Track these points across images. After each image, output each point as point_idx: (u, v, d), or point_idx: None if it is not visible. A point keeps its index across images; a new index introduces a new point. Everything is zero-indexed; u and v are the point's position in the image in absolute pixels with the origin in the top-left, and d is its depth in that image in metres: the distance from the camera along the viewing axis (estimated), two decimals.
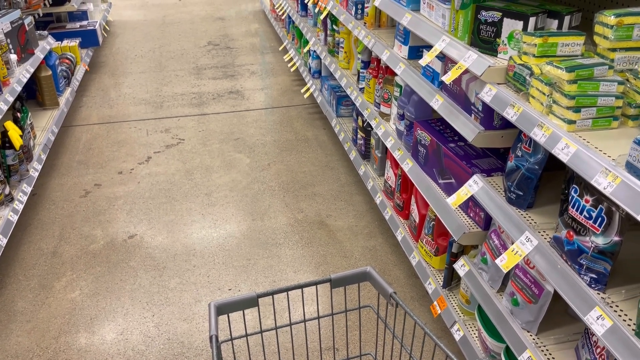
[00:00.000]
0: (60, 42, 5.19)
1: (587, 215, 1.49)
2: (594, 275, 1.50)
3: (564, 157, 1.48)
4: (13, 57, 3.69)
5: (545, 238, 1.72)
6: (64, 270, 3.03)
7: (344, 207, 3.57)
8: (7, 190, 3.11)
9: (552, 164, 1.88)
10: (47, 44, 4.37)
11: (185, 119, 4.86)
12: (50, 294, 2.85)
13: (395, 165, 2.98)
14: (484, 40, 1.96)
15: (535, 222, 1.80)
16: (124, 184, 3.84)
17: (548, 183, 2.01)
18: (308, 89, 4.87)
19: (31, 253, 3.16)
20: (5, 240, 2.90)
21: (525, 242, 1.72)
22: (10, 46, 3.71)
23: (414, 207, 2.77)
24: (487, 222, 2.15)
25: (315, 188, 3.79)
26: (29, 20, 4.07)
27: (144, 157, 4.21)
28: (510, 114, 1.72)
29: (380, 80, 3.13)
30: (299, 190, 3.76)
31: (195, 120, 4.83)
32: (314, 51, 4.65)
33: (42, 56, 4.16)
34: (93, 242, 3.25)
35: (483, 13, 1.93)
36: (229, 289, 2.87)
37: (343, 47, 3.91)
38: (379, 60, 3.22)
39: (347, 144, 3.88)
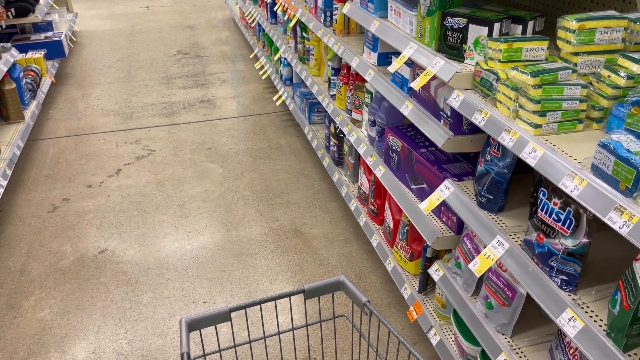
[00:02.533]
0: (24, 54, 5.07)
1: (556, 218, 1.51)
2: (564, 277, 1.52)
3: (531, 161, 1.49)
4: None
5: (516, 241, 1.73)
6: (32, 288, 2.94)
7: (319, 214, 3.56)
8: None
9: (522, 167, 1.90)
10: (10, 56, 4.26)
11: (155, 130, 4.79)
12: (18, 314, 2.77)
13: (369, 171, 2.98)
14: (451, 46, 1.98)
15: (506, 226, 1.81)
16: (94, 198, 3.76)
17: (518, 186, 2.03)
18: (280, 97, 4.85)
19: None
20: None
21: (497, 245, 1.73)
22: None
23: (387, 213, 2.77)
24: (459, 226, 2.16)
25: (290, 196, 3.77)
26: None
27: (113, 169, 4.13)
28: (478, 119, 1.73)
29: (351, 87, 3.13)
30: (273, 199, 3.73)
31: (166, 131, 4.77)
32: (285, 59, 4.64)
33: (5, 69, 4.05)
34: (62, 259, 3.16)
35: (449, 19, 1.94)
36: (204, 302, 2.83)
37: (313, 55, 3.91)
38: (349, 67, 3.22)
39: (320, 150, 3.87)
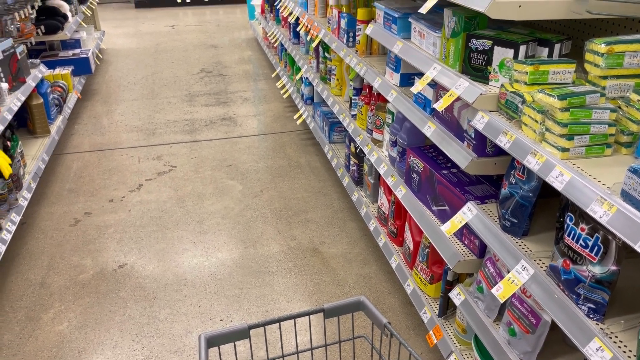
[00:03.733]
0: (52, 70, 5.19)
1: (583, 244, 1.47)
2: (592, 305, 1.48)
3: (558, 185, 1.47)
4: (4, 85, 3.68)
5: (541, 267, 1.69)
6: (52, 301, 2.96)
7: (338, 233, 3.54)
8: None
9: (547, 191, 1.87)
10: (39, 72, 4.36)
11: (177, 146, 4.84)
12: (37, 327, 2.78)
13: (389, 191, 2.96)
14: (475, 68, 1.97)
15: (530, 251, 1.78)
16: (115, 212, 3.80)
17: (543, 210, 2.00)
18: (300, 116, 4.88)
19: (19, 284, 3.10)
20: None
21: (522, 270, 1.69)
22: (2, 75, 3.70)
23: (408, 234, 2.75)
24: (482, 249, 2.12)
25: (309, 214, 3.76)
26: (20, 49, 4.07)
27: (135, 184, 4.18)
28: (503, 142, 1.71)
29: (373, 107, 3.14)
30: (292, 217, 3.73)
31: (187, 147, 4.82)
32: (306, 78, 4.67)
33: (33, 84, 4.15)
34: (82, 272, 3.19)
35: (474, 41, 1.94)
36: (221, 320, 2.81)
37: (335, 75, 3.93)
38: (370, 87, 3.23)
39: (340, 170, 3.87)
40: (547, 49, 1.84)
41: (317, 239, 3.49)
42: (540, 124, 1.59)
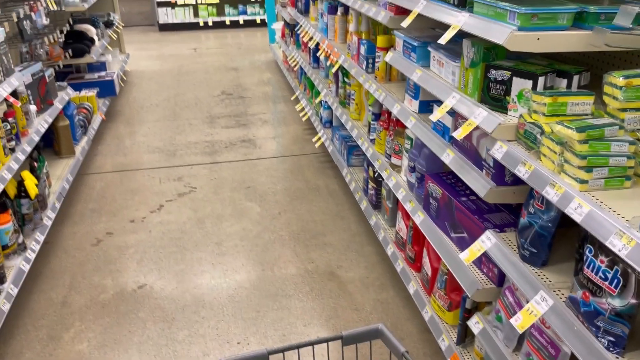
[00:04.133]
0: (78, 92, 5.34)
1: (603, 276, 1.47)
2: (611, 338, 1.47)
3: (577, 217, 1.47)
4: (32, 107, 3.80)
5: (560, 298, 1.69)
6: (72, 320, 3.01)
7: (355, 257, 3.55)
8: (20, 239, 3.13)
9: (566, 220, 1.87)
10: (65, 94, 4.49)
11: (197, 167, 4.92)
12: (58, 346, 2.83)
13: (407, 216, 2.97)
14: (494, 97, 1.99)
15: (550, 281, 1.77)
16: (136, 233, 3.86)
17: (562, 240, 1.99)
18: (319, 138, 4.93)
19: (41, 303, 3.15)
20: (16, 290, 2.90)
21: (541, 301, 1.69)
22: (31, 97, 3.82)
23: (426, 260, 2.75)
24: (500, 278, 2.12)
25: (326, 238, 3.78)
26: (49, 72, 4.21)
27: (156, 205, 4.25)
28: (521, 172, 1.72)
29: (391, 132, 3.17)
30: (310, 240, 3.75)
31: (207, 169, 4.89)
32: (326, 102, 4.73)
33: (60, 106, 4.28)
34: (103, 292, 3.24)
35: (492, 72, 1.96)
36: (238, 342, 2.83)
37: (354, 99, 3.98)
38: (389, 113, 3.27)
39: (358, 193, 3.89)
40: (565, 80, 1.86)
41: (334, 262, 3.50)
42: (559, 155, 1.60)
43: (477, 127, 2.00)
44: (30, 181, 3.27)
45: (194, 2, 11.57)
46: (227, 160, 5.06)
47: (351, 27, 3.85)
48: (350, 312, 3.04)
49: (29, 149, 3.47)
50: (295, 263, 3.49)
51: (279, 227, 3.91)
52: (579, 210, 1.48)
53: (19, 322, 2.99)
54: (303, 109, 5.71)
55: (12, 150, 3.31)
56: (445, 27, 2.24)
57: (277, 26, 8.02)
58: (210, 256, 3.58)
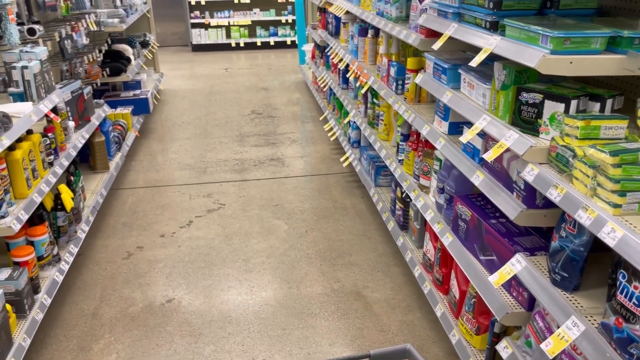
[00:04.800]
0: (114, 110, 5.50)
1: (637, 303, 1.44)
2: None
3: (610, 242, 1.46)
4: (71, 124, 3.93)
5: (592, 323, 1.66)
6: (102, 332, 3.06)
7: (381, 278, 3.54)
8: (55, 251, 3.23)
9: (599, 245, 1.84)
10: (102, 111, 4.64)
11: (227, 185, 4.99)
12: (87, 357, 2.88)
13: (435, 238, 2.96)
14: (525, 120, 1.99)
15: (581, 306, 1.75)
16: (165, 247, 3.93)
17: (595, 264, 1.96)
18: (347, 158, 4.96)
19: (72, 313, 3.23)
20: (49, 300, 2.98)
21: (572, 327, 1.66)
22: (69, 114, 3.96)
23: (454, 283, 2.72)
24: (530, 302, 2.09)
25: (352, 257, 3.78)
26: (87, 90, 4.36)
27: (185, 221, 4.32)
28: (553, 195, 1.71)
29: (420, 153, 3.18)
30: (336, 259, 3.75)
31: (236, 186, 4.96)
32: (354, 122, 4.77)
33: (97, 123, 4.42)
34: (132, 305, 3.29)
35: (524, 94, 1.97)
36: (263, 359, 2.84)
37: (383, 120, 4.00)
38: (418, 134, 3.28)
39: (385, 213, 3.89)
40: (598, 104, 1.85)
41: (360, 282, 3.49)
42: (592, 178, 1.59)
43: (508, 150, 2.00)
44: (66, 194, 3.38)
45: (227, 24, 11.86)
46: (256, 178, 5.12)
47: (381, 49, 3.90)
48: (376, 333, 3.02)
49: (66, 164, 3.58)
50: (321, 282, 3.50)
51: (306, 246, 3.93)
52: (612, 234, 1.46)
53: (51, 332, 3.06)
54: (331, 128, 5.76)
55: (51, 164, 3.43)
56: (475, 49, 2.26)
57: (307, 48, 8.15)
58: (237, 272, 3.61)
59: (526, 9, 2.16)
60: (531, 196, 2.01)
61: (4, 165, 2.80)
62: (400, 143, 3.55)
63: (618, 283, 1.53)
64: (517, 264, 2.00)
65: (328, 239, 4.01)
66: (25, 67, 3.17)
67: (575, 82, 2.05)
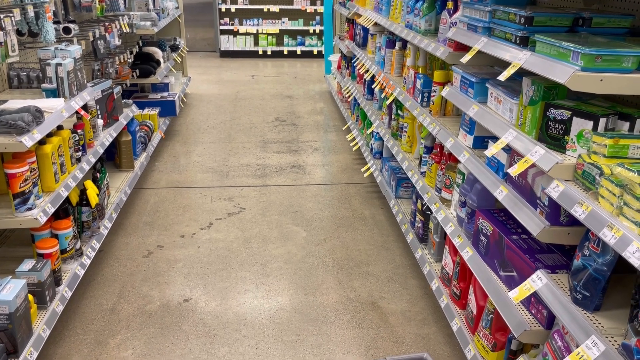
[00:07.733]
0: (141, 110, 5.60)
1: None
2: None
3: (635, 262, 1.44)
4: (100, 122, 4.02)
5: (613, 344, 1.63)
6: (119, 328, 3.10)
7: (398, 290, 3.52)
8: (78, 245, 3.29)
9: (622, 266, 1.82)
10: (130, 111, 4.73)
11: (248, 189, 5.03)
12: (104, 351, 2.92)
13: (454, 252, 2.94)
14: (552, 136, 1.98)
15: (602, 326, 1.72)
16: (185, 248, 3.97)
17: (617, 285, 1.93)
18: (368, 169, 4.96)
19: (91, 308, 3.28)
20: (70, 293, 3.03)
21: (592, 346, 1.64)
22: (99, 112, 4.05)
23: (471, 297, 2.70)
24: (550, 320, 2.06)
25: (370, 267, 3.77)
26: (117, 90, 4.45)
27: (206, 222, 4.36)
28: (578, 212, 1.70)
29: (443, 166, 3.17)
30: (353, 268, 3.75)
31: (257, 191, 4.99)
32: (377, 133, 4.78)
33: (125, 122, 4.50)
34: (150, 303, 3.33)
35: (552, 111, 1.96)
36: None
37: (406, 132, 4.00)
38: (442, 147, 3.27)
39: (404, 225, 3.88)
40: (627, 123, 1.83)
41: (376, 293, 3.48)
42: (619, 197, 1.57)
43: (533, 165, 1.99)
44: (92, 190, 3.44)
45: (255, 32, 12.00)
46: (277, 184, 5.15)
47: (408, 61, 3.91)
48: (390, 344, 3.01)
49: (93, 160, 3.66)
50: (337, 290, 3.50)
51: (323, 253, 3.93)
52: (637, 254, 1.44)
53: (70, 325, 3.11)
54: (354, 139, 5.77)
55: (78, 160, 3.50)
56: (504, 64, 2.25)
57: (334, 58, 8.21)
58: (254, 276, 3.63)
59: (558, 26, 2.15)
60: (555, 213, 1.99)
61: (34, 158, 2.87)
62: (423, 155, 3.55)
63: None
64: (537, 281, 1.98)
65: (346, 248, 4.01)
66: (59, 65, 3.26)
67: (604, 100, 2.04)
